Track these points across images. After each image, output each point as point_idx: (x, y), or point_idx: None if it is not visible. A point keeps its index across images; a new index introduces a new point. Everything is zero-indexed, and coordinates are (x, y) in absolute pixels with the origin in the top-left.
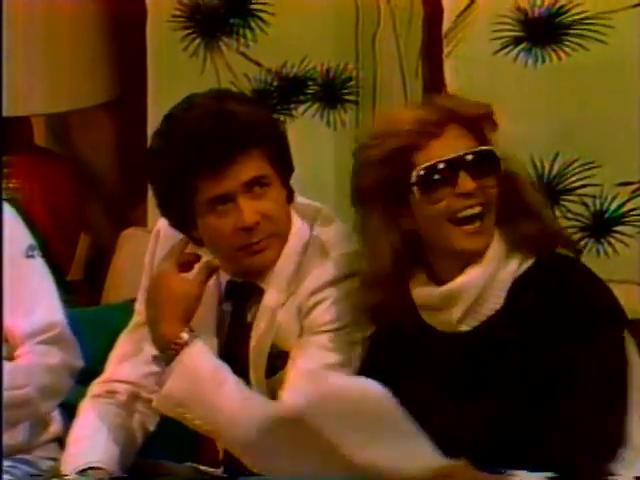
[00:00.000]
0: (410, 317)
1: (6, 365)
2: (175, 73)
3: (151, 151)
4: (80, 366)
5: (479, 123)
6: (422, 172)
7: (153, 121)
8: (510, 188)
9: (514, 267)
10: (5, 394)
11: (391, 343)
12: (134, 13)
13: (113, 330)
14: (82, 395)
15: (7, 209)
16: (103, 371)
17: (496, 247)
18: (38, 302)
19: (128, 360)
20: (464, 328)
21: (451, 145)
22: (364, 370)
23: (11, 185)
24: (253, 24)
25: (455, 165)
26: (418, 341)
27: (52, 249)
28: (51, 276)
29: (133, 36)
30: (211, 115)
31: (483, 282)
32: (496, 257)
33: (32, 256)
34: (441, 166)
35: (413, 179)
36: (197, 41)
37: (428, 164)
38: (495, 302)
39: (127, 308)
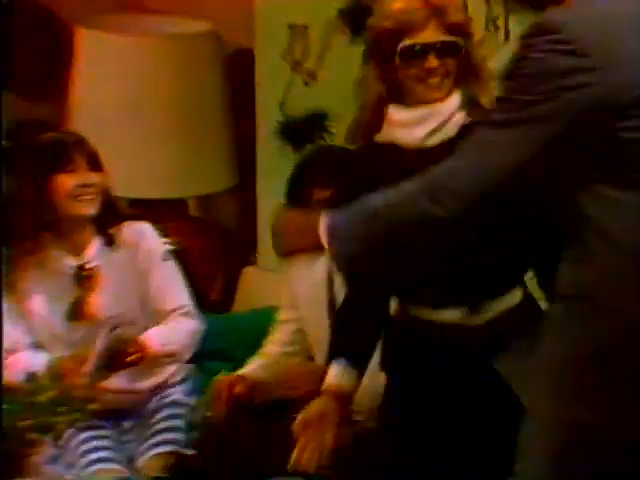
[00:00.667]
0: (385, 136)
1: (160, 327)
2: (274, 170)
3: (290, 181)
4: (203, 330)
5: (457, 27)
6: (404, 48)
7: (261, 198)
8: (469, 63)
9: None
10: (163, 348)
11: (370, 160)
12: (247, 129)
13: (255, 326)
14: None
15: (147, 228)
16: (247, 355)
17: (455, 96)
18: (174, 288)
19: (277, 338)
20: (429, 144)
21: (429, 35)
22: (353, 180)
23: (173, 242)
24: (326, 137)
25: (427, 48)
26: (389, 156)
27: (201, 281)
28: (181, 273)
29: (244, 143)
30: (321, 151)
31: (447, 112)
32: (456, 102)
33: (167, 259)
34: (417, 47)
35: (398, 50)
36: (289, 147)
37: (409, 43)
38: (453, 130)
39: (266, 312)
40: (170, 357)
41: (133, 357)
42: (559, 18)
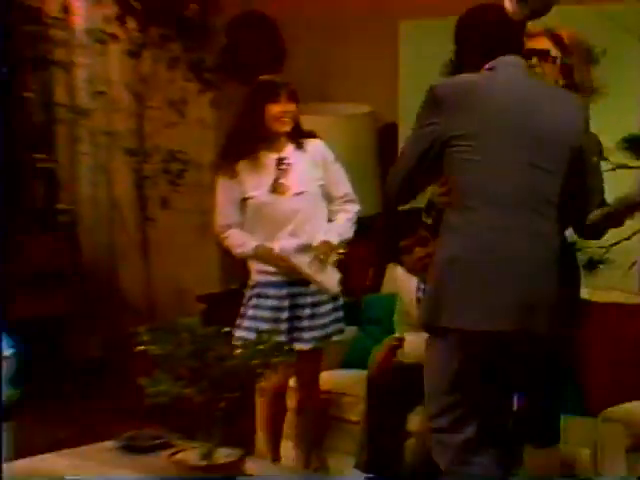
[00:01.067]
0: None
1: (333, 225)
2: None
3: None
4: (360, 210)
5: (560, 39)
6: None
7: None
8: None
9: None
10: (340, 238)
11: None
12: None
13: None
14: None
15: (321, 142)
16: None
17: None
18: (342, 180)
19: None
20: None
21: (539, 44)
22: None
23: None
24: None
25: (532, 53)
26: None
27: (359, 273)
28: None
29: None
30: None
31: None
32: None
33: (335, 162)
34: (529, 52)
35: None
36: None
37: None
38: None
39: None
40: (345, 241)
41: (324, 257)
42: (440, 84)
